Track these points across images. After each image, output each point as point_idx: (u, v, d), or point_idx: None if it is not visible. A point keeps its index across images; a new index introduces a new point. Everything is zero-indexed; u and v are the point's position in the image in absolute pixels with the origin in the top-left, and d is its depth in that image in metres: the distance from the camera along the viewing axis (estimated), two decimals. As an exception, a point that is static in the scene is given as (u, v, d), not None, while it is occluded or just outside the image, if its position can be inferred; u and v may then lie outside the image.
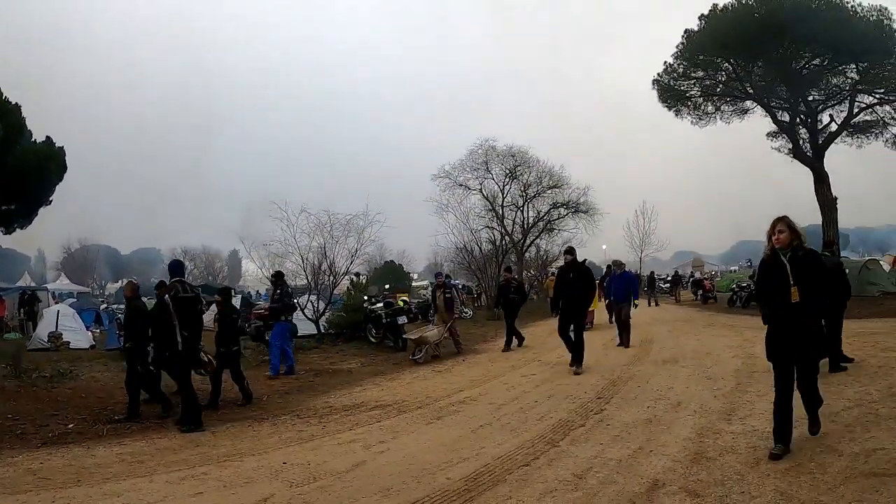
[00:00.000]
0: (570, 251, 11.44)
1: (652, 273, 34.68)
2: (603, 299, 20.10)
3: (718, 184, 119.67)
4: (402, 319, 16.46)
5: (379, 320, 15.99)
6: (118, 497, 5.24)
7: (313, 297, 17.71)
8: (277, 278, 13.32)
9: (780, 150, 26.67)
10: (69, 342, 15.98)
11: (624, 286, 14.66)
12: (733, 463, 5.01)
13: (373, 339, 16.11)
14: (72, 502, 5.17)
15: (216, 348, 9.46)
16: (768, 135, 27.00)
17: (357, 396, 9.64)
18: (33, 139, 22.35)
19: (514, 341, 15.00)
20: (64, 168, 23.33)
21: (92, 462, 6.45)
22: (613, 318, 15.73)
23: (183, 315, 7.84)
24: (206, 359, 8.87)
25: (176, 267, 8.54)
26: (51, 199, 23.82)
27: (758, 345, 11.95)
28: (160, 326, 8.02)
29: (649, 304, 28.88)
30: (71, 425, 7.97)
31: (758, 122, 26.94)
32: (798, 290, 5.17)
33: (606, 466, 5.13)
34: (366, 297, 18.42)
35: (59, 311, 17.58)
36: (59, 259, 72.45)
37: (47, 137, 22.85)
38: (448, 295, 15.14)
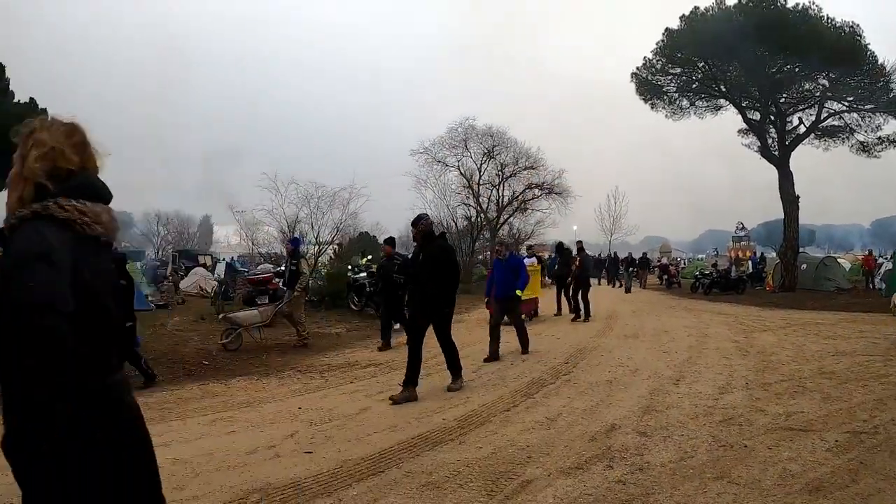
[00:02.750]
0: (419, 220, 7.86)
1: (629, 255, 35.12)
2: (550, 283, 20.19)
3: (691, 174, 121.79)
4: (385, 289, 16.98)
5: (362, 289, 16.57)
6: (159, 437, 5.49)
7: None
8: None
9: (749, 147, 27.66)
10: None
11: (508, 276, 10.40)
12: (677, 415, 6.07)
13: (354, 307, 16.76)
14: (117, 442, 5.76)
15: None
16: (739, 132, 27.98)
17: (349, 357, 10.43)
18: (16, 100, 22.44)
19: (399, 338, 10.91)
20: (48, 129, 23.63)
21: (123, 410, 7.10)
22: (492, 320, 10.33)
23: None
24: None
25: None
26: (34, 161, 24.14)
27: (712, 326, 13.22)
28: None
29: (628, 290, 28.55)
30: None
31: (731, 118, 27.82)
32: None
33: (573, 413, 6.15)
34: (350, 267, 19.15)
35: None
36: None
37: (31, 98, 22.73)
38: (293, 267, 12.02)
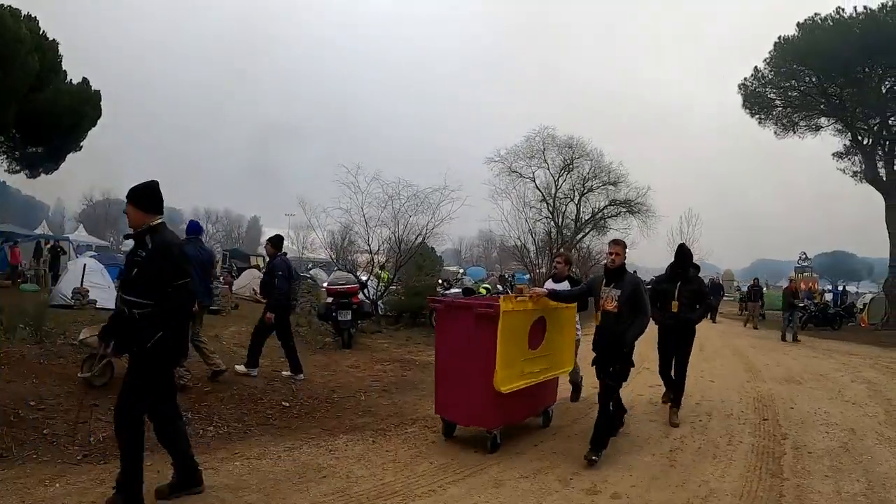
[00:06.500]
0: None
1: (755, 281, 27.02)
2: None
3: (741, 200, 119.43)
4: (484, 309, 15.38)
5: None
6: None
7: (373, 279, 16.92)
8: None
9: (844, 172, 26.37)
10: (95, 301, 14.22)
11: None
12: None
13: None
14: None
15: None
16: (835, 154, 26.61)
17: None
18: (68, 79, 21.20)
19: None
20: (99, 113, 22.17)
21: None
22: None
23: None
24: None
25: None
26: (81, 144, 22.76)
27: (861, 369, 12.22)
28: None
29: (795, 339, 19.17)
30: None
31: (798, 140, 26.62)
32: None
33: (857, 501, 4.93)
34: (440, 281, 17.75)
35: (85, 264, 15.83)
36: (79, 210, 71.47)
37: (84, 79, 21.63)
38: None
